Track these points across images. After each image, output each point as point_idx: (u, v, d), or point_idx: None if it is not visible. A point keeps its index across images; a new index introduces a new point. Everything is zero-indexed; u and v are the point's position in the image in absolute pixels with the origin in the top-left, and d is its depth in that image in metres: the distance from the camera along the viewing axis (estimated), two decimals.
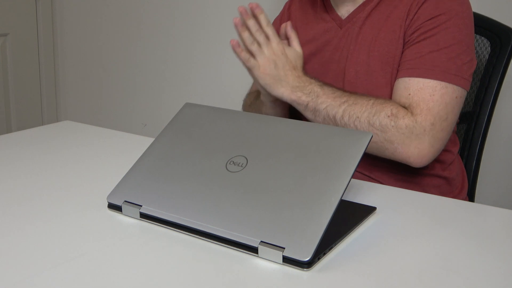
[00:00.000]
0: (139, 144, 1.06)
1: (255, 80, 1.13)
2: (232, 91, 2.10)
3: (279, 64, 1.09)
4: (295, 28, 1.24)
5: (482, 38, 1.27)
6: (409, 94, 1.04)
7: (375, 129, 1.02)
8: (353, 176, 0.73)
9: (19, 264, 0.66)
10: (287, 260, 0.66)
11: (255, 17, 1.09)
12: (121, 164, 0.93)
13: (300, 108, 1.09)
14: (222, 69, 2.17)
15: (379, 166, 1.11)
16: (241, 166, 0.77)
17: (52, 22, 2.63)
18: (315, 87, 1.07)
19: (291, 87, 1.09)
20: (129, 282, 0.62)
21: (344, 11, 1.18)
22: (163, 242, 0.72)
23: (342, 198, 0.69)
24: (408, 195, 0.93)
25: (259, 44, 1.09)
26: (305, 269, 0.65)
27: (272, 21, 1.36)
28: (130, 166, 0.85)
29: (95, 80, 2.60)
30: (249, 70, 1.11)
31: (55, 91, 2.70)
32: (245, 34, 1.10)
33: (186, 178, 0.79)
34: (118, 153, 1.12)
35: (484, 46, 1.26)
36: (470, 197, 1.26)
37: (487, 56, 1.26)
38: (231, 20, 2.11)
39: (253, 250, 0.68)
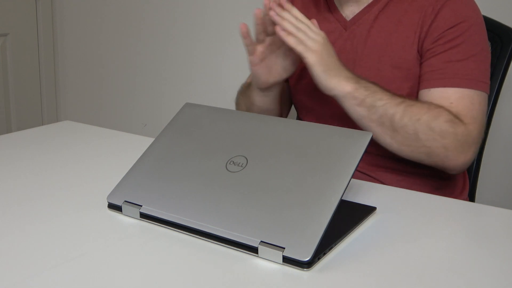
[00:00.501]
0: (139, 144, 1.05)
1: (311, 69, 1.01)
2: (232, 91, 2.10)
3: (331, 51, 1.02)
4: None
5: None
6: (451, 103, 1.02)
7: (435, 133, 0.98)
8: (354, 176, 0.73)
9: (19, 264, 0.66)
10: (287, 260, 0.66)
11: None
12: (121, 164, 0.93)
13: (353, 103, 1.01)
14: (222, 69, 2.17)
15: (380, 165, 1.11)
16: (241, 166, 0.77)
17: (52, 22, 2.63)
18: (369, 82, 1.01)
19: (346, 77, 1.01)
20: (129, 282, 0.62)
21: (348, 12, 1.17)
22: (163, 242, 0.72)
23: (342, 198, 0.69)
24: (408, 195, 0.92)
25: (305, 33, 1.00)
26: (305, 269, 0.65)
27: None
28: (130, 166, 0.85)
29: (95, 80, 2.60)
30: (301, 56, 1.01)
31: (55, 91, 2.70)
32: (286, 23, 1.00)
33: (186, 178, 0.79)
34: (118, 153, 1.12)
35: None
36: (471, 197, 1.26)
37: None
38: (231, 20, 2.11)
39: (253, 250, 0.68)
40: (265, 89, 1.15)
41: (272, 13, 1.01)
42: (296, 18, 1.01)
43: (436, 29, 1.06)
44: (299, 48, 1.00)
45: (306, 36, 1.00)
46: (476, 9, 1.08)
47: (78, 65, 2.64)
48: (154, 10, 2.32)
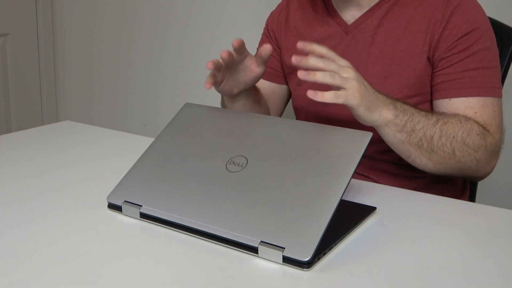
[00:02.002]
0: (139, 144, 1.05)
1: (354, 111, 0.90)
2: None
3: (365, 83, 0.90)
4: (296, 28, 1.21)
5: None
6: (476, 113, 1.02)
7: (469, 148, 0.98)
8: (353, 177, 0.73)
9: (19, 264, 0.66)
10: (287, 260, 0.66)
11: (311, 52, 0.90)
12: (121, 164, 0.93)
13: (394, 129, 0.94)
14: None
15: (380, 170, 1.10)
16: (241, 166, 0.77)
17: (52, 22, 2.63)
18: (403, 105, 0.95)
19: (384, 105, 0.93)
20: (129, 282, 0.62)
21: (349, 16, 1.14)
22: (163, 242, 0.72)
23: (342, 198, 0.69)
24: (408, 195, 0.92)
25: (337, 73, 0.87)
26: (305, 269, 0.65)
27: (267, 18, 1.34)
28: (130, 166, 0.85)
29: (95, 80, 2.60)
30: (348, 106, 0.89)
31: (55, 91, 2.70)
32: (319, 75, 0.85)
33: (186, 178, 0.79)
34: (118, 153, 1.12)
35: None
36: (471, 197, 1.26)
37: None
38: (231, 20, 2.11)
39: (253, 250, 0.68)
40: (233, 97, 1.12)
41: (300, 74, 0.85)
42: (323, 58, 0.87)
43: (449, 38, 1.04)
44: (339, 101, 0.86)
45: (343, 79, 0.87)
46: (483, 13, 1.08)
47: (78, 65, 2.64)
48: (154, 10, 2.32)
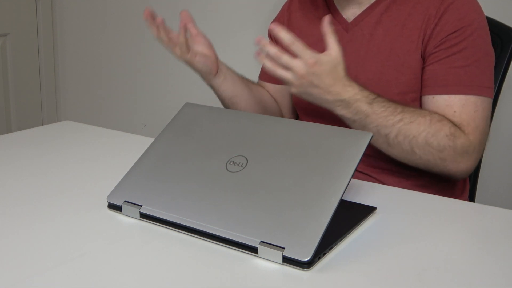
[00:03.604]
0: (139, 144, 1.05)
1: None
2: None
3: (315, 82, 0.96)
4: (296, 29, 1.22)
5: None
6: (455, 112, 1.03)
7: (432, 148, 1.00)
8: (354, 176, 0.73)
9: (19, 264, 0.66)
10: (287, 260, 0.66)
11: (276, 38, 0.98)
12: (121, 164, 0.93)
13: (347, 122, 1.02)
14: None
15: (380, 167, 1.11)
16: (241, 166, 0.77)
17: (52, 22, 2.63)
18: (362, 105, 0.98)
19: (331, 105, 1.00)
20: (129, 282, 0.62)
21: (349, 13, 1.15)
22: (163, 242, 0.72)
23: (342, 198, 0.69)
24: (408, 195, 0.92)
25: (288, 68, 0.97)
26: (305, 269, 0.65)
27: (266, 27, 1.35)
28: (130, 166, 0.85)
29: (95, 80, 2.60)
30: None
31: (55, 91, 2.71)
32: (266, 62, 0.98)
33: (186, 178, 0.79)
34: (118, 153, 1.12)
35: None
36: (471, 197, 1.26)
37: None
38: (231, 20, 2.11)
39: (253, 250, 0.68)
40: (212, 85, 1.18)
41: (257, 55, 0.99)
42: (281, 49, 0.96)
43: (440, 33, 1.05)
44: (290, 91, 1.02)
45: (288, 74, 0.97)
46: (480, 11, 1.08)
47: (78, 65, 2.64)
48: (154, 10, 2.32)
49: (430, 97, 1.06)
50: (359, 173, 1.11)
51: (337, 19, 1.17)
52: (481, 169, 1.29)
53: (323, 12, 1.20)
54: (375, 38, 1.11)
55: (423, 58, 1.07)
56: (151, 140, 0.90)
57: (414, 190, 0.96)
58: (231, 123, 0.85)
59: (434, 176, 1.09)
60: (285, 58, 0.96)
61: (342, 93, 0.98)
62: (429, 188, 1.11)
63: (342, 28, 1.16)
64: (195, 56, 1.12)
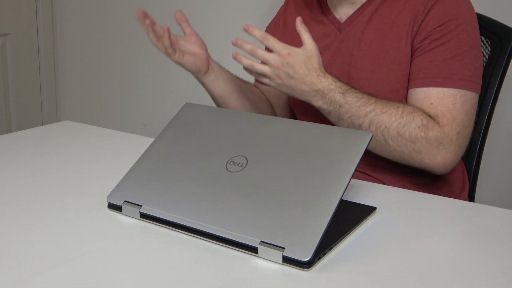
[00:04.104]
0: (139, 144, 1.05)
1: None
2: None
3: (290, 73, 1.02)
4: (292, 31, 1.23)
5: (482, 38, 1.27)
6: (432, 104, 1.03)
7: (404, 139, 1.00)
8: (354, 176, 0.73)
9: (19, 264, 0.66)
10: (287, 260, 0.66)
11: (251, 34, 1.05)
12: (121, 164, 0.93)
13: (324, 113, 1.06)
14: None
15: (381, 165, 1.11)
16: (241, 166, 0.77)
17: (52, 22, 2.63)
18: (336, 95, 1.02)
19: (308, 95, 1.04)
20: (129, 282, 0.62)
21: (342, 13, 1.17)
22: (163, 242, 0.72)
23: (342, 198, 0.69)
24: (408, 195, 0.92)
25: (264, 62, 1.04)
26: (305, 269, 0.65)
27: (266, 26, 1.37)
28: (130, 166, 0.85)
29: (95, 80, 2.60)
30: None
31: (55, 91, 2.71)
32: (243, 59, 1.05)
33: (186, 178, 0.79)
34: (118, 153, 1.12)
35: (484, 46, 1.26)
36: (470, 197, 1.26)
37: (487, 56, 1.26)
38: (231, 20, 2.11)
39: (253, 250, 0.68)
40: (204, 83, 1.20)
41: (234, 54, 1.06)
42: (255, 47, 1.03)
43: (425, 28, 1.06)
44: (266, 84, 1.06)
45: (264, 68, 1.03)
46: (468, 6, 1.08)
47: (78, 65, 2.64)
48: (154, 10, 2.32)
49: (412, 90, 1.07)
50: (359, 173, 1.11)
51: (330, 20, 1.18)
52: (480, 169, 1.29)
53: (317, 13, 1.22)
54: (366, 36, 1.12)
55: (411, 54, 1.08)
56: (151, 140, 0.90)
57: (413, 188, 0.97)
58: (231, 123, 0.85)
59: (433, 175, 1.09)
60: (261, 52, 1.03)
61: (317, 83, 1.02)
62: (429, 186, 1.11)
63: (335, 28, 1.17)
64: (182, 56, 1.14)
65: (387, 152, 1.04)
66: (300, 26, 1.04)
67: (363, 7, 1.14)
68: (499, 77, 1.23)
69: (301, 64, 1.02)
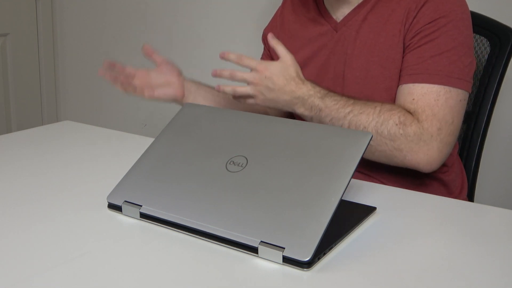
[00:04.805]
0: (139, 144, 1.05)
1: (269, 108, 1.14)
2: None
3: (270, 85, 1.04)
4: (288, 33, 1.25)
5: (482, 38, 1.27)
6: (413, 99, 1.03)
7: (383, 138, 1.01)
8: (353, 176, 0.73)
9: (19, 264, 0.66)
10: (287, 260, 0.66)
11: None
12: (121, 164, 0.93)
13: (307, 120, 1.07)
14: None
15: (380, 166, 1.11)
16: (241, 166, 0.77)
17: (52, 22, 2.63)
18: (315, 100, 1.04)
19: (290, 104, 1.05)
20: (129, 282, 0.62)
21: (339, 13, 1.17)
22: (163, 242, 0.72)
23: (342, 198, 0.69)
24: (408, 195, 0.93)
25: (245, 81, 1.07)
26: (305, 269, 0.65)
27: (265, 27, 1.37)
28: (130, 166, 0.85)
29: (95, 80, 2.60)
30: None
31: (55, 91, 2.70)
32: (227, 88, 1.08)
33: (186, 178, 0.79)
34: (118, 153, 1.12)
35: (484, 46, 1.26)
36: (470, 197, 1.26)
37: (486, 56, 1.26)
38: (231, 20, 2.11)
39: (253, 250, 0.68)
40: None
41: (218, 87, 1.09)
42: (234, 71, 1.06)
43: (416, 25, 1.06)
44: (249, 103, 1.09)
45: (246, 88, 1.06)
46: (461, 4, 1.07)
47: (78, 65, 2.64)
48: (154, 10, 2.32)
49: (400, 86, 1.07)
50: (359, 173, 1.11)
51: (327, 20, 1.19)
52: (480, 169, 1.29)
53: (314, 13, 1.22)
54: (361, 35, 1.13)
55: (403, 51, 1.09)
56: (151, 140, 0.90)
57: (412, 188, 0.97)
58: (231, 123, 0.85)
59: (432, 175, 1.09)
60: (239, 74, 1.06)
61: (296, 90, 1.04)
62: (428, 186, 1.11)
63: (332, 28, 1.18)
64: (153, 92, 1.20)
65: (370, 152, 1.04)
66: (272, 41, 1.07)
67: (359, 6, 1.15)
68: (498, 77, 1.23)
69: (278, 75, 1.04)
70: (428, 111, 1.02)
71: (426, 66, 1.04)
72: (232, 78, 1.07)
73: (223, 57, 1.07)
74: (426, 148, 1.01)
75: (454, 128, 1.04)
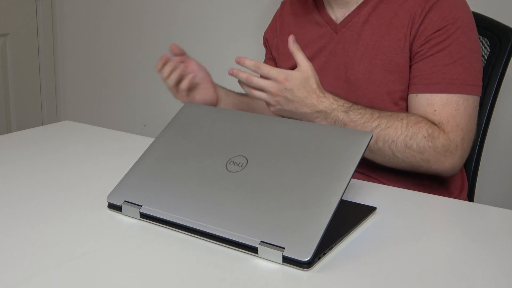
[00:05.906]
0: (139, 144, 1.05)
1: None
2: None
3: (289, 97, 1.01)
4: (290, 33, 1.24)
5: (482, 38, 1.27)
6: (435, 111, 1.04)
7: (412, 151, 1.01)
8: (353, 176, 0.73)
9: (19, 264, 0.66)
10: (287, 260, 0.66)
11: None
12: (121, 164, 0.93)
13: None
14: (222, 69, 2.17)
15: (380, 166, 1.11)
16: (241, 166, 0.77)
17: (52, 22, 2.63)
18: (339, 114, 1.02)
19: (311, 117, 1.03)
20: (129, 282, 0.62)
21: (339, 14, 1.17)
22: (163, 242, 0.72)
23: (342, 198, 0.69)
24: (408, 195, 0.93)
25: (262, 90, 1.03)
26: (305, 269, 0.65)
27: (265, 27, 1.37)
28: (130, 166, 0.85)
29: (95, 80, 2.60)
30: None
31: (55, 91, 2.70)
32: (245, 87, 1.05)
33: (186, 178, 0.79)
34: (118, 153, 1.12)
35: (484, 46, 1.26)
36: (470, 197, 1.26)
37: (486, 56, 1.26)
38: (232, 20, 2.11)
39: (253, 250, 0.68)
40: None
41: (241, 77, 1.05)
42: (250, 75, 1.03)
43: (424, 32, 1.06)
44: (271, 110, 1.06)
45: (262, 95, 1.03)
46: (465, 9, 1.08)
47: (78, 65, 2.64)
48: (154, 10, 2.32)
49: (414, 95, 1.07)
50: (359, 173, 1.11)
51: (326, 21, 1.19)
52: (480, 169, 1.29)
53: (313, 15, 1.22)
54: (363, 38, 1.12)
55: (410, 57, 1.08)
56: (151, 140, 0.90)
57: (413, 189, 0.97)
58: (231, 123, 0.85)
59: (432, 175, 1.09)
60: (256, 80, 1.02)
61: (318, 104, 1.01)
62: (428, 186, 1.11)
63: (332, 30, 1.17)
64: (194, 98, 1.19)
65: (396, 163, 1.04)
66: (293, 46, 1.03)
67: (358, 8, 1.14)
68: (498, 77, 1.23)
69: (299, 87, 1.00)
70: (452, 121, 1.03)
71: (442, 75, 1.04)
72: (248, 82, 1.02)
73: (238, 63, 1.03)
74: (451, 158, 1.03)
75: (472, 135, 1.06)
